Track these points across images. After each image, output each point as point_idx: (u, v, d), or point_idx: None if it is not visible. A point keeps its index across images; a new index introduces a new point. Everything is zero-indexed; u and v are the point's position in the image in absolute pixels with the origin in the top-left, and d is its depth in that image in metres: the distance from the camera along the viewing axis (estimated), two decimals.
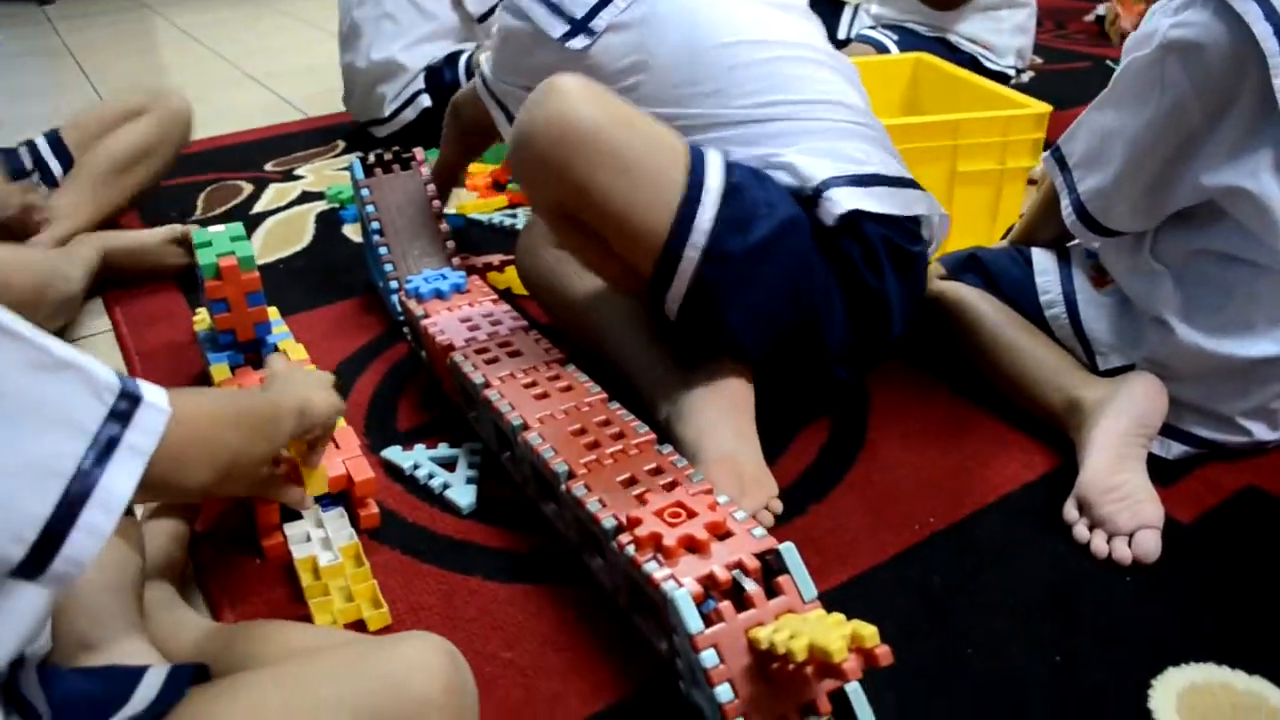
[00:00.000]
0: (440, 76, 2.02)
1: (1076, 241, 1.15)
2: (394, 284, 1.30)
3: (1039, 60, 2.55)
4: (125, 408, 0.50)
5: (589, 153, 0.91)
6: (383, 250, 1.31)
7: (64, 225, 1.49)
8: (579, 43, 1.07)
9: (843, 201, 0.99)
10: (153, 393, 0.52)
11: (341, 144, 2.14)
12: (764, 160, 1.01)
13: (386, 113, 2.04)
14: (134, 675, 0.57)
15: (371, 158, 1.38)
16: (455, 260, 1.33)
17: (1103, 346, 1.09)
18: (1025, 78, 2.19)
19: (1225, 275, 0.98)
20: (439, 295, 1.19)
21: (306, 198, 1.85)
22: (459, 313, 1.15)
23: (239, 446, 0.67)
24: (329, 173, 1.98)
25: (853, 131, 1.06)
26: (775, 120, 1.03)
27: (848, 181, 1.00)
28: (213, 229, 1.14)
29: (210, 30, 3.58)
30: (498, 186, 1.82)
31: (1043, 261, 1.15)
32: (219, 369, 1.11)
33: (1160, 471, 1.00)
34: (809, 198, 1.00)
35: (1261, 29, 0.86)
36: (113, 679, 0.57)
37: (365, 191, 1.34)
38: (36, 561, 0.47)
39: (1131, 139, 0.99)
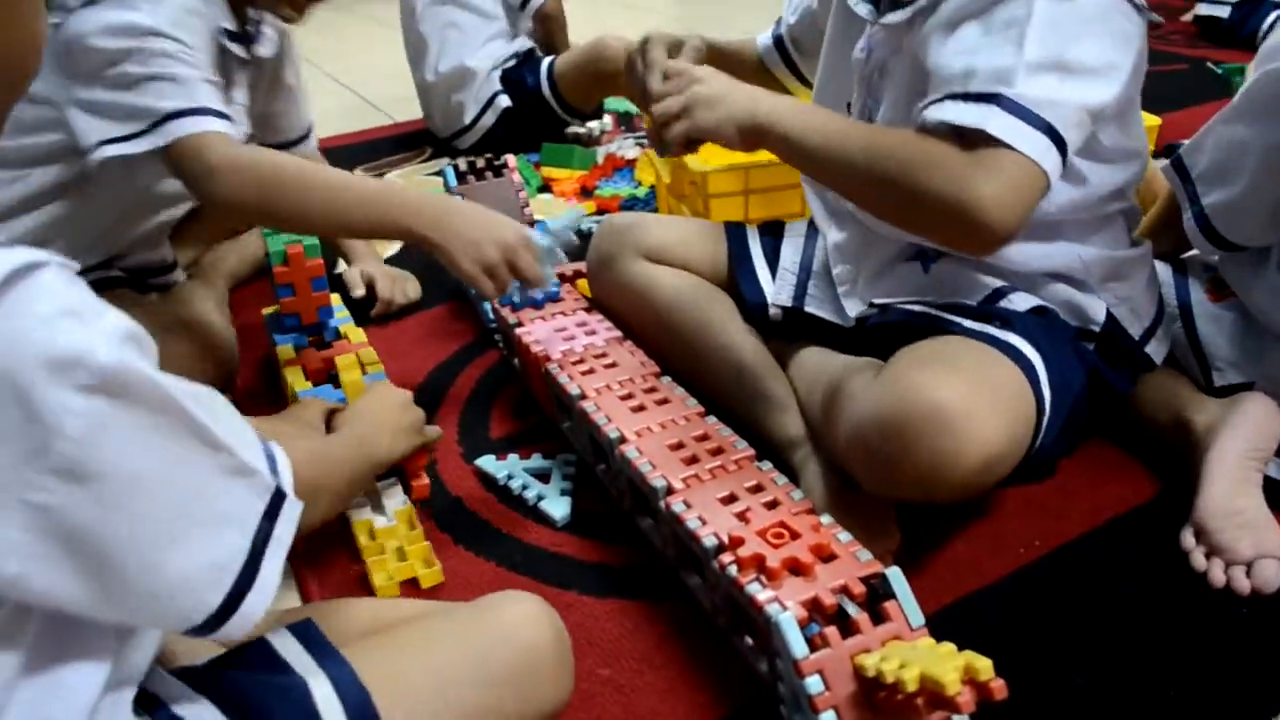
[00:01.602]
0: (520, 80, 2.03)
1: (1193, 252, 1.11)
2: None
3: None
4: (275, 504, 0.54)
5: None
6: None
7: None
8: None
9: None
10: (286, 478, 0.56)
11: (429, 149, 2.16)
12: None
13: (468, 120, 2.05)
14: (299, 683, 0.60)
15: (464, 165, 1.38)
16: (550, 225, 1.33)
17: (1220, 362, 1.05)
18: None
19: None
20: (533, 304, 1.19)
21: None
22: (553, 322, 1.15)
23: (327, 510, 0.76)
24: (418, 178, 2.00)
25: None
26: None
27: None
28: None
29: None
30: (585, 193, 1.82)
31: (1160, 273, 1.11)
32: (284, 350, 1.18)
33: (1275, 496, 0.96)
34: None
35: None
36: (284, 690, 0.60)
37: (458, 198, 1.34)
38: (195, 633, 0.52)
39: (1264, 153, 0.96)
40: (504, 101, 2.03)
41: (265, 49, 1.30)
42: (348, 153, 2.17)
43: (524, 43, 2.10)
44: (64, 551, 0.46)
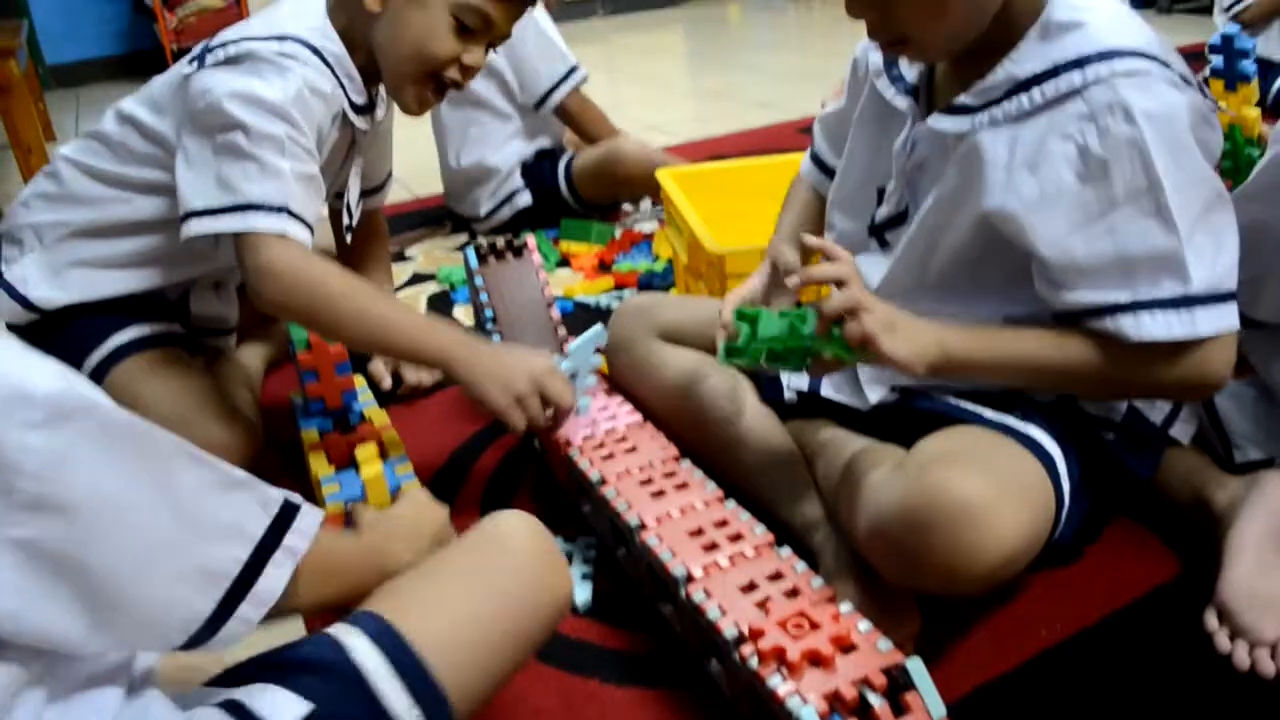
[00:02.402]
0: (540, 175, 2.07)
1: None
2: None
3: None
4: (286, 515, 0.58)
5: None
6: (496, 338, 1.34)
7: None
8: None
9: None
10: (309, 506, 0.59)
11: (449, 224, 2.20)
12: None
13: (482, 213, 2.09)
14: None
15: (485, 245, 1.41)
16: (567, 348, 1.34)
17: (1240, 439, 1.05)
18: None
19: None
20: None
21: (417, 279, 1.90)
22: None
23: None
24: (439, 254, 2.04)
25: None
26: None
27: None
28: None
29: None
30: (604, 268, 1.85)
31: None
32: (308, 434, 1.19)
33: None
34: None
35: None
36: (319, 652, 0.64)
37: (479, 280, 1.37)
38: (192, 641, 0.56)
39: None
40: (524, 200, 2.07)
41: (380, 111, 1.35)
42: None
43: (545, 141, 2.13)
44: (54, 582, 0.49)
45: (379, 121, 1.38)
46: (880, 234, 1.03)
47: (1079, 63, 0.84)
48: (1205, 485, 1.01)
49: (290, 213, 1.10)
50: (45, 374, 0.49)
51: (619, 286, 1.77)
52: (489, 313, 1.36)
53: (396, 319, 1.10)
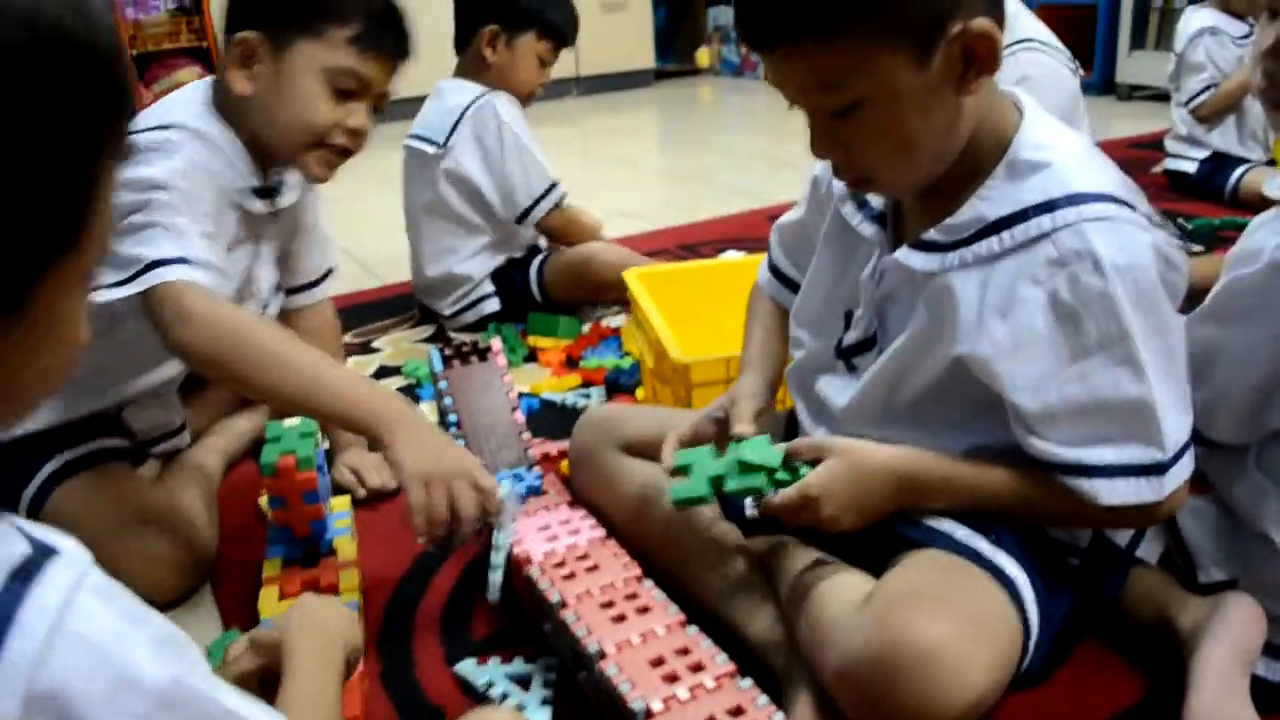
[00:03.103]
0: (510, 281, 2.07)
1: None
2: None
3: None
4: None
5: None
6: (460, 444, 1.32)
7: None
8: None
9: None
10: None
11: (418, 313, 2.19)
12: None
13: (447, 314, 2.09)
14: None
15: (449, 347, 1.40)
16: (532, 450, 1.33)
17: (1203, 559, 1.05)
18: None
19: None
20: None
21: (384, 373, 1.89)
22: (536, 519, 1.15)
23: None
24: (406, 345, 2.03)
25: None
26: None
27: None
28: (287, 422, 1.20)
29: None
30: (571, 363, 1.84)
31: None
32: (271, 564, 1.16)
33: (1265, 696, 0.94)
34: None
35: None
36: None
37: (443, 384, 1.36)
38: None
39: (1237, 355, 0.97)
40: (491, 306, 2.07)
41: (288, 198, 1.34)
42: (339, 316, 2.20)
43: (516, 251, 2.12)
44: None
45: (285, 208, 1.37)
46: (847, 357, 1.03)
47: (1048, 206, 0.85)
48: (1170, 607, 1.00)
49: (191, 261, 1.09)
50: (155, 660, 0.47)
51: (586, 383, 1.76)
52: (453, 417, 1.35)
53: (329, 373, 1.06)
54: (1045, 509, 0.91)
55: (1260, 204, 2.50)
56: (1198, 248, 1.11)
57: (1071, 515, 0.91)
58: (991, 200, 0.88)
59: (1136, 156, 3.26)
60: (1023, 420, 0.88)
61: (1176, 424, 0.87)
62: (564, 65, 5.11)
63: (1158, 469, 0.86)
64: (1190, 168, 2.81)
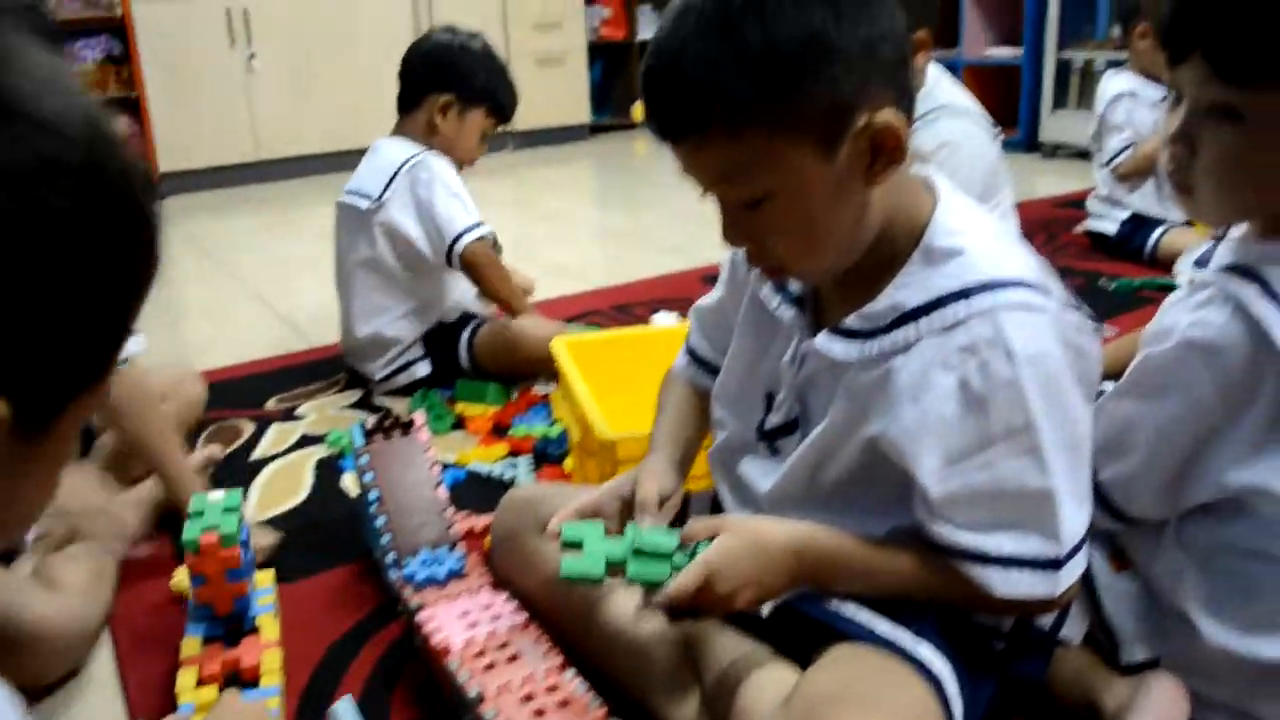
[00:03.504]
0: (441, 345, 2.04)
1: None
2: (391, 555, 1.27)
3: None
4: None
5: None
6: (380, 521, 1.29)
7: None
8: None
9: None
10: None
11: (344, 377, 2.15)
12: None
13: (378, 377, 2.05)
14: None
15: (372, 422, 1.37)
16: (455, 528, 1.30)
17: (1126, 637, 1.04)
18: None
19: (1253, 571, 0.95)
20: (435, 582, 1.16)
21: (306, 441, 1.84)
22: (457, 604, 1.12)
23: None
24: (331, 412, 1.98)
25: None
26: None
27: None
28: (212, 495, 1.19)
29: (221, 240, 3.69)
30: (499, 431, 1.81)
31: None
32: (190, 642, 1.13)
33: None
34: None
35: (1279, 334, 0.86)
36: None
37: (365, 459, 1.33)
38: None
39: (1153, 432, 0.98)
40: (422, 370, 2.04)
41: None
42: (263, 381, 2.16)
43: (448, 314, 2.10)
44: None
45: None
46: (770, 440, 1.02)
47: (963, 293, 0.86)
48: (1094, 688, 1.00)
49: None
50: None
51: (514, 453, 1.73)
52: (374, 494, 1.31)
53: None
54: (944, 594, 0.90)
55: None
56: (1110, 331, 1.13)
57: (969, 602, 0.90)
58: (908, 288, 0.88)
59: (1060, 215, 3.34)
60: (927, 504, 0.88)
61: (1075, 519, 0.87)
62: None
63: (1054, 564, 0.86)
64: (1111, 228, 2.88)
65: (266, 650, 1.12)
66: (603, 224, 3.96)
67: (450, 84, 2.02)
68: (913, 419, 0.86)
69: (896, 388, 0.87)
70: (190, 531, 1.10)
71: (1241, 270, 0.90)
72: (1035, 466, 0.84)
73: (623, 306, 2.55)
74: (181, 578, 1.29)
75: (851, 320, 0.91)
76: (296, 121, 4.83)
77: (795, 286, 0.99)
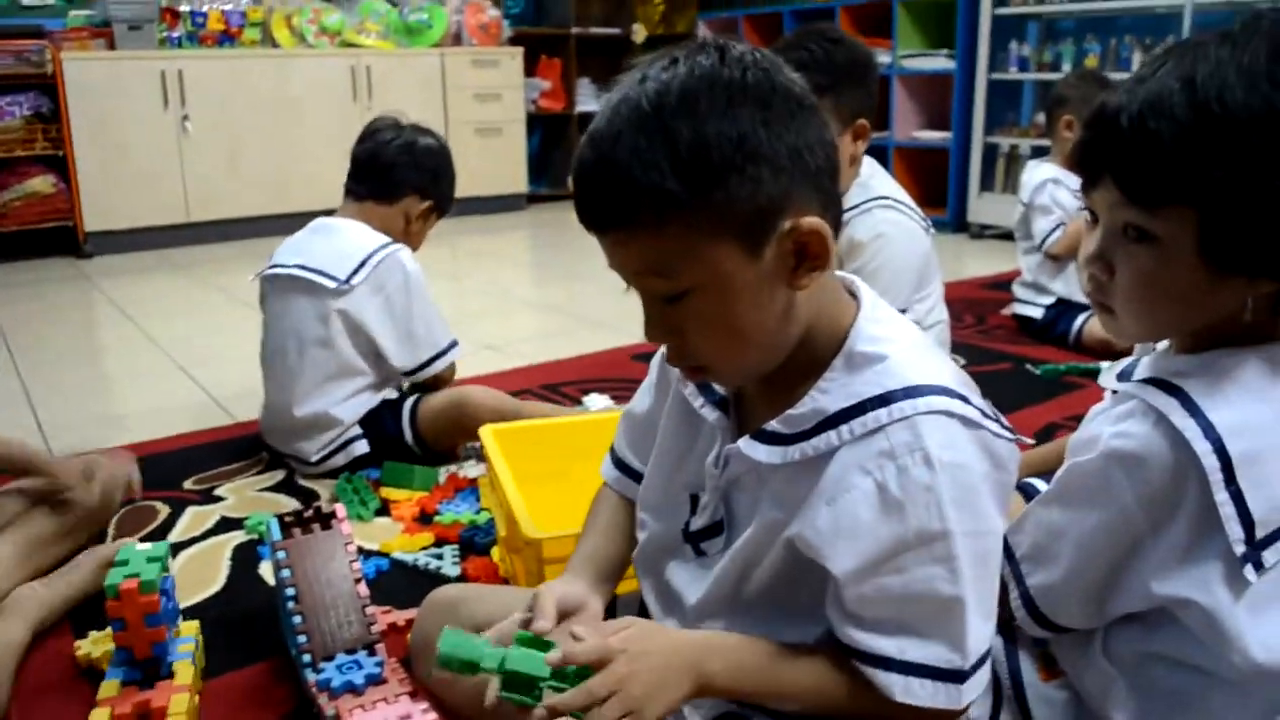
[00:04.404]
0: (380, 423, 2.01)
1: None
2: (307, 656, 1.23)
3: (963, 361, 2.64)
4: None
5: None
6: (296, 620, 1.24)
7: None
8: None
9: None
10: None
11: (266, 456, 2.09)
12: None
13: (313, 459, 1.99)
14: None
15: (290, 516, 1.33)
16: (376, 626, 1.26)
17: None
18: None
19: (1179, 683, 0.94)
20: (353, 688, 1.12)
21: (224, 525, 1.78)
22: (372, 715, 1.07)
23: None
24: (250, 494, 1.92)
25: None
26: None
27: None
28: (140, 546, 1.26)
29: (144, 306, 3.60)
30: (424, 519, 1.77)
31: (991, 644, 1.11)
32: (108, 685, 1.19)
33: None
34: None
35: (1201, 446, 0.86)
36: None
37: (281, 555, 1.28)
38: None
39: (1078, 541, 0.98)
40: (360, 448, 1.99)
41: None
42: (181, 459, 2.09)
43: (391, 391, 2.08)
44: None
45: None
46: (695, 542, 1.01)
47: (884, 399, 0.85)
48: None
49: None
50: None
51: (440, 541, 1.68)
52: (290, 591, 1.27)
53: None
54: (850, 705, 0.88)
55: (1102, 349, 2.63)
56: (1029, 440, 1.15)
57: (872, 711, 0.88)
58: (830, 393, 0.88)
59: (988, 297, 3.41)
60: (838, 606, 0.87)
61: (980, 632, 0.87)
62: None
63: (957, 676, 0.85)
64: (1036, 313, 2.94)
65: (176, 694, 1.15)
66: (536, 297, 3.95)
67: (432, 191, 2.10)
68: (828, 521, 0.85)
69: (816, 491, 0.87)
70: (113, 578, 1.17)
71: (1162, 384, 0.91)
72: (947, 574, 0.83)
73: (553, 386, 2.53)
74: (88, 646, 1.35)
75: (774, 424, 0.90)
76: (229, 185, 4.79)
77: (719, 389, 0.99)
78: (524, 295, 3.96)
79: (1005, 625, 1.13)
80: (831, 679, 0.89)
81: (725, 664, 0.89)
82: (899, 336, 0.90)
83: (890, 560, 0.84)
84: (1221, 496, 0.86)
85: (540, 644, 0.87)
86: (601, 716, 0.83)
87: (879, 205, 1.97)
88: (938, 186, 4.89)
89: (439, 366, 2.04)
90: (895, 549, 0.84)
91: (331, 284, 1.95)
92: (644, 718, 0.85)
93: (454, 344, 2.07)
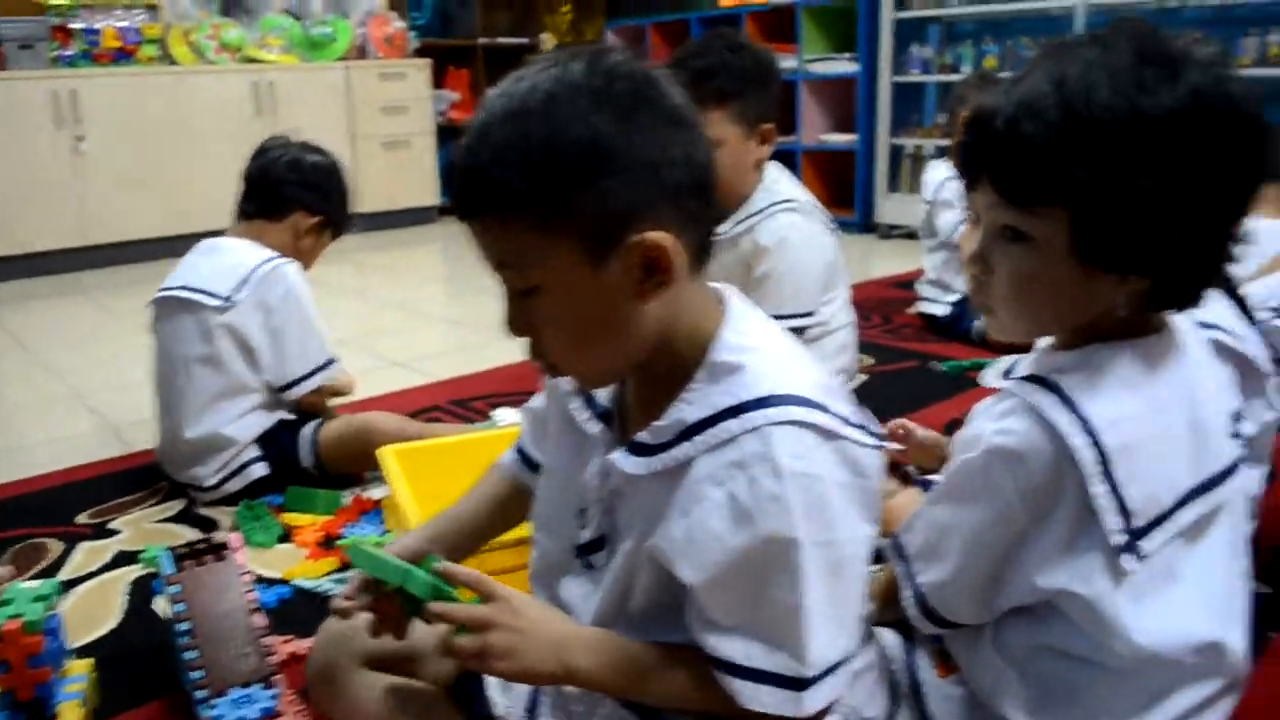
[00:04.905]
0: (280, 446, 1.96)
1: None
2: (202, 692, 1.19)
3: (871, 360, 2.68)
4: None
5: None
6: (190, 655, 1.21)
7: None
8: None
9: None
10: None
11: (166, 485, 2.03)
12: None
13: (209, 484, 1.94)
14: None
15: (183, 547, 1.29)
16: (273, 658, 1.23)
17: None
18: (854, 385, 2.25)
19: (1069, 674, 0.96)
20: None
21: (121, 559, 1.72)
22: None
23: None
24: (148, 526, 1.87)
25: None
26: None
27: None
28: (27, 584, 1.24)
29: (40, 333, 3.49)
30: (328, 543, 1.73)
31: (889, 645, 1.12)
32: None
33: None
34: None
35: (1077, 441, 0.89)
36: None
37: (174, 589, 1.25)
38: None
39: (965, 537, 0.99)
40: (258, 471, 1.95)
41: None
42: (76, 492, 2.02)
43: (289, 412, 2.04)
44: None
45: None
46: (584, 555, 1.00)
47: (737, 409, 0.86)
48: None
49: None
50: None
51: (344, 566, 1.65)
52: (184, 625, 1.23)
53: None
54: (707, 706, 0.90)
55: (1005, 346, 2.69)
56: (898, 446, 1.18)
57: (731, 716, 0.88)
58: (692, 404, 0.88)
59: (895, 296, 3.46)
60: (694, 613, 0.88)
61: (827, 642, 0.86)
62: None
63: (798, 684, 0.85)
64: (940, 310, 2.99)
65: None
66: (447, 312, 3.91)
67: (321, 207, 2.06)
68: (682, 531, 0.86)
69: (673, 502, 0.87)
70: None
71: (1040, 381, 0.93)
72: (792, 584, 0.84)
73: (462, 401, 2.50)
74: None
75: (643, 435, 0.91)
76: (128, 207, 4.66)
77: (603, 400, 0.99)
78: (434, 310, 3.92)
79: (902, 624, 1.15)
80: (695, 684, 0.90)
81: (592, 661, 0.90)
82: (760, 345, 0.90)
83: (739, 569, 0.84)
84: (1098, 489, 0.89)
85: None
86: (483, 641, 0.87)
87: (783, 209, 1.99)
88: (846, 188, 4.96)
89: (309, 385, 1.99)
90: (744, 558, 0.84)
91: (214, 301, 1.92)
92: (509, 668, 0.88)
93: (329, 362, 2.01)
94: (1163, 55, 0.86)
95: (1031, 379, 0.94)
